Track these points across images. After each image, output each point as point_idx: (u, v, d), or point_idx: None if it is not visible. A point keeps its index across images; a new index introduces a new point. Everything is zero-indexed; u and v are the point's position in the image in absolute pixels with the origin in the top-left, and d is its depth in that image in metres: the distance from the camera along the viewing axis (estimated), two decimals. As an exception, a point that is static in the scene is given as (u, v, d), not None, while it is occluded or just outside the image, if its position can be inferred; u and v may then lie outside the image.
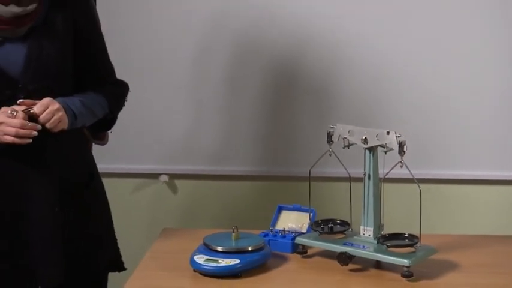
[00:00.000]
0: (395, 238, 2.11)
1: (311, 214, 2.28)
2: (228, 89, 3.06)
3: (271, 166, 3.09)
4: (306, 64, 3.01)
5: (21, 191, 2.12)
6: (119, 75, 2.35)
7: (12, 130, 2.01)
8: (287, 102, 3.05)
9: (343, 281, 2.05)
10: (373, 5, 2.95)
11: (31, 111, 2.03)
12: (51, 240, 2.15)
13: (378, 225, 2.14)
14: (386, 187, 2.14)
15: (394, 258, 2.04)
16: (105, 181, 2.38)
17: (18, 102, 2.04)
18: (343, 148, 2.16)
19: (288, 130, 3.06)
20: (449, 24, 2.95)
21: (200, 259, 2.08)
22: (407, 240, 2.10)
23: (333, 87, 3.01)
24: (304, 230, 2.27)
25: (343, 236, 2.19)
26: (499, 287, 2.02)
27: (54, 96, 2.09)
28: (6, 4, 2.04)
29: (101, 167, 2.39)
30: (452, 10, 2.95)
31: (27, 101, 2.04)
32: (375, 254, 2.08)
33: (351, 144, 2.15)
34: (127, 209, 3.13)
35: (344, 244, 2.13)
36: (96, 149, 2.42)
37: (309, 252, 2.22)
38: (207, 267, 2.05)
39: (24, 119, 2.01)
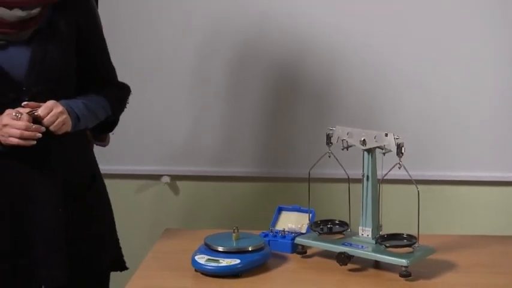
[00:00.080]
0: (393, 238, 2.11)
1: (310, 215, 2.28)
2: (229, 91, 3.06)
3: (271, 167, 3.09)
4: (306, 67, 3.02)
5: (25, 192, 2.13)
6: (121, 77, 2.36)
7: (17, 132, 2.01)
8: (287, 105, 3.05)
9: (342, 280, 2.05)
10: (372, 5, 2.95)
11: (35, 113, 2.04)
12: (54, 241, 2.16)
13: (377, 226, 2.14)
14: (385, 188, 2.15)
15: (392, 258, 2.04)
16: (108, 182, 2.39)
17: (22, 104, 2.04)
18: (342, 150, 2.16)
19: (288, 132, 3.06)
20: (449, 24, 2.94)
21: (201, 259, 2.08)
22: (405, 240, 2.10)
23: (332, 90, 3.02)
24: (303, 231, 2.27)
25: (342, 236, 2.20)
26: (496, 287, 2.02)
27: (57, 99, 2.10)
28: (10, 8, 2.05)
29: (104, 168, 2.39)
30: (452, 10, 2.94)
31: (32, 103, 2.05)
32: (373, 254, 2.09)
33: (350, 146, 2.16)
34: (129, 210, 3.13)
35: (343, 244, 2.13)
36: (98, 151, 2.42)
37: (309, 252, 2.22)
38: (208, 267, 2.06)
39: (28, 121, 2.02)
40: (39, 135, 2.03)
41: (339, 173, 2.22)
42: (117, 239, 2.40)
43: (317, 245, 2.19)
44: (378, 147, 2.10)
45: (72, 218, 2.19)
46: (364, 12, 2.96)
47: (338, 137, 2.17)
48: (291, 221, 2.31)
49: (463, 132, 3.00)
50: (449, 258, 2.18)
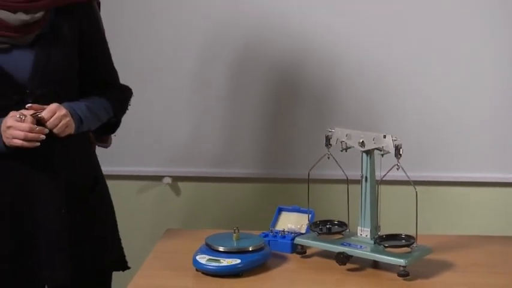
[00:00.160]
0: (392, 239, 2.11)
1: (310, 215, 2.28)
2: (230, 94, 3.07)
3: (271, 169, 3.09)
4: (306, 71, 3.02)
5: (28, 194, 2.13)
6: (123, 79, 2.36)
7: (21, 134, 2.01)
8: (287, 108, 3.05)
9: (341, 280, 2.06)
10: (370, 7, 2.94)
11: (39, 115, 2.04)
12: (57, 242, 2.16)
13: (375, 226, 2.14)
14: (383, 189, 2.15)
15: (391, 258, 2.05)
16: (110, 183, 2.39)
17: (26, 106, 2.05)
18: (341, 151, 2.16)
19: (288, 134, 3.06)
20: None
21: (202, 259, 2.08)
22: (403, 240, 2.11)
23: (331, 93, 3.01)
24: (303, 231, 2.27)
25: (341, 236, 2.20)
26: (494, 287, 2.02)
27: (60, 101, 2.11)
28: (14, 12, 2.05)
29: (106, 169, 2.40)
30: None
31: (35, 105, 2.05)
32: (372, 254, 2.09)
33: (349, 148, 2.16)
34: (131, 211, 3.14)
35: (342, 244, 2.13)
36: (101, 152, 2.42)
37: (308, 252, 2.22)
38: (209, 267, 2.06)
39: (32, 123, 2.02)
40: (43, 137, 2.04)
41: (338, 174, 2.22)
42: (119, 239, 2.40)
43: (316, 245, 2.19)
44: (377, 148, 2.10)
45: (75, 219, 2.19)
46: (363, 14, 2.95)
47: (337, 139, 2.17)
48: (291, 222, 2.31)
49: (460, 133, 2.99)
50: (447, 258, 2.18)
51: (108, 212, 2.36)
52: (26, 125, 2.02)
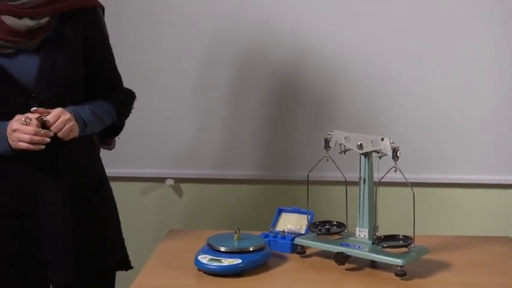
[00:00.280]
0: (389, 239, 2.11)
1: (309, 216, 2.28)
2: (232, 98, 3.07)
3: (271, 171, 3.09)
4: (306, 75, 3.02)
5: (34, 196, 2.13)
6: (126, 82, 2.37)
7: (27, 137, 2.02)
8: (287, 111, 3.05)
9: (340, 279, 2.06)
10: (369, 9, 2.94)
11: (44, 119, 2.04)
12: (62, 243, 2.16)
13: (373, 227, 2.14)
14: (381, 190, 2.15)
15: (388, 258, 2.05)
16: (114, 185, 2.39)
17: (31, 110, 2.05)
18: (340, 153, 2.16)
19: (288, 136, 3.06)
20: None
21: (204, 259, 2.08)
22: (401, 241, 2.11)
23: (330, 97, 3.01)
24: (302, 231, 2.27)
25: (339, 237, 2.20)
26: (490, 286, 2.02)
27: (65, 104, 2.11)
28: (20, 17, 2.06)
29: (110, 171, 2.40)
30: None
31: (40, 109, 2.06)
32: (370, 254, 2.09)
33: (347, 150, 2.16)
34: (134, 212, 3.14)
35: (340, 245, 2.13)
36: (105, 154, 2.43)
37: (308, 252, 2.22)
38: (211, 267, 2.06)
39: (37, 126, 2.03)
40: (48, 140, 2.04)
41: (337, 175, 2.22)
42: (123, 240, 2.40)
43: (315, 245, 2.19)
44: (374, 151, 2.10)
45: (79, 220, 2.19)
46: (362, 19, 2.95)
47: (336, 141, 2.17)
48: (291, 222, 2.31)
49: (457, 136, 2.99)
50: (444, 258, 2.18)
51: (111, 213, 2.36)
52: (31, 128, 2.02)
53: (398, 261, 2.03)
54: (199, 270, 2.09)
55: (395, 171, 2.04)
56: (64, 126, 2.06)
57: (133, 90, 2.37)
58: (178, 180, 3.18)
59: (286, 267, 2.15)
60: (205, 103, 3.08)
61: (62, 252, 2.16)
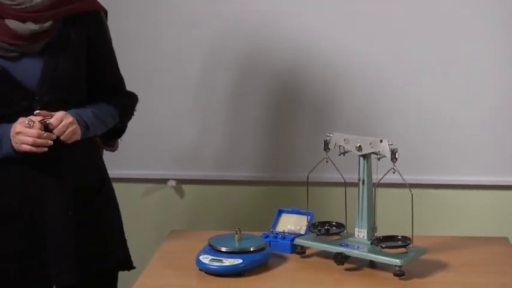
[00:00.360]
0: (388, 240, 2.11)
1: (309, 217, 2.28)
2: (233, 101, 3.07)
3: (272, 172, 3.09)
4: (305, 79, 3.01)
5: (37, 197, 2.13)
6: (129, 85, 2.37)
7: (30, 139, 2.02)
8: (287, 113, 3.05)
9: (339, 279, 2.06)
10: (368, 11, 2.93)
11: (47, 122, 2.04)
12: (65, 244, 2.16)
13: (372, 228, 2.14)
14: (380, 192, 2.15)
15: (387, 258, 2.05)
16: (116, 186, 2.39)
17: (34, 113, 2.05)
18: (339, 155, 2.16)
19: (288, 138, 3.06)
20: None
21: (205, 259, 2.08)
22: (399, 241, 2.10)
23: (330, 100, 3.01)
24: (302, 232, 2.27)
25: (339, 237, 2.20)
26: (487, 285, 2.02)
27: (68, 107, 2.11)
28: (23, 21, 2.06)
29: (112, 172, 2.40)
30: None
31: (44, 112, 2.06)
32: (368, 254, 2.09)
33: (347, 152, 2.16)
34: (137, 212, 3.13)
35: (340, 245, 2.13)
36: (107, 156, 2.43)
37: (307, 252, 2.22)
38: (212, 267, 2.06)
39: (40, 129, 2.03)
40: (51, 142, 2.04)
41: (336, 177, 2.22)
42: (125, 240, 2.40)
43: (315, 245, 2.19)
44: (373, 152, 2.10)
45: (82, 221, 2.19)
46: (362, 22, 2.95)
47: (335, 143, 2.17)
48: (291, 223, 2.31)
49: (454, 138, 2.98)
50: (442, 258, 2.18)
51: (114, 214, 2.36)
52: (34, 131, 2.02)
53: (397, 262, 2.03)
54: (200, 270, 2.09)
55: (393, 172, 2.04)
56: (67, 129, 2.06)
57: (136, 93, 2.38)
58: (180, 182, 3.18)
59: (286, 267, 2.15)
60: (206, 105, 3.08)
61: (64, 252, 2.15)
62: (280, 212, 2.36)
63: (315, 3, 2.95)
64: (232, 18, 3.00)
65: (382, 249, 2.08)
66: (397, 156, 2.05)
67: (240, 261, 2.06)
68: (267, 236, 2.26)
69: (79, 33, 2.16)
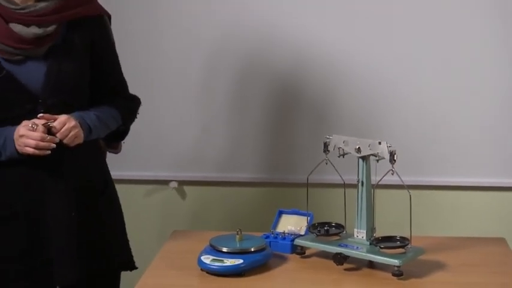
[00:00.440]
0: (387, 240, 2.11)
1: (309, 218, 2.28)
2: (234, 103, 3.07)
3: (272, 173, 3.09)
4: (306, 82, 3.02)
5: (40, 199, 2.13)
6: (132, 87, 2.37)
7: (33, 142, 2.02)
8: (287, 116, 3.05)
9: (339, 279, 2.06)
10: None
11: (50, 125, 2.05)
12: (68, 245, 2.15)
13: (371, 228, 2.14)
14: (379, 193, 2.15)
15: (386, 259, 2.05)
16: (119, 187, 2.39)
17: (38, 116, 2.05)
18: (339, 157, 2.16)
19: (288, 140, 3.06)
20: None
21: (207, 259, 2.08)
22: (398, 242, 2.10)
23: (329, 103, 3.01)
24: (302, 232, 2.27)
25: (338, 238, 2.20)
26: (484, 285, 2.02)
27: (71, 110, 2.12)
28: (28, 25, 2.06)
29: (115, 174, 2.40)
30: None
31: (47, 115, 2.06)
32: (367, 254, 2.09)
33: (346, 154, 2.16)
34: (139, 213, 3.13)
35: (339, 245, 2.14)
36: (110, 157, 2.43)
37: (307, 252, 2.22)
38: (213, 267, 2.06)
39: (43, 132, 2.03)
40: (54, 145, 2.04)
41: (336, 178, 2.22)
42: (127, 241, 2.40)
43: (315, 246, 2.19)
44: (372, 154, 2.10)
45: (85, 222, 2.19)
46: (361, 26, 2.95)
47: (335, 145, 2.17)
48: (291, 224, 2.31)
49: (452, 139, 2.98)
50: (439, 258, 2.18)
51: (117, 215, 2.36)
52: (38, 134, 2.02)
53: (395, 262, 2.03)
54: (202, 270, 2.09)
55: (392, 174, 2.05)
56: (69, 133, 2.07)
57: (139, 95, 2.38)
58: (182, 183, 3.18)
59: (286, 267, 2.15)
60: (208, 108, 3.09)
61: (67, 252, 2.15)
62: (280, 213, 2.36)
63: (315, 6, 2.96)
64: (233, 21, 3.00)
65: (381, 250, 2.08)
66: (395, 158, 2.05)
67: (241, 261, 2.07)
68: (267, 237, 2.26)
69: (83, 37, 2.17)
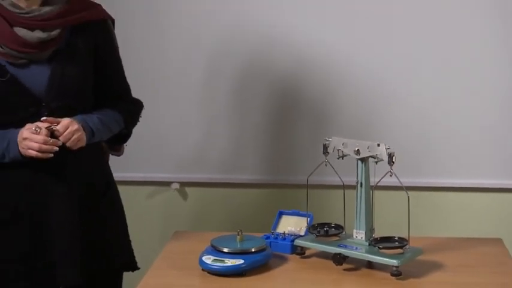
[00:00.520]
0: (385, 241, 2.12)
1: (308, 218, 2.28)
2: (235, 106, 3.07)
3: (273, 175, 3.09)
4: (305, 85, 3.02)
5: (42, 201, 2.13)
6: (134, 90, 2.37)
7: (36, 145, 2.02)
8: (287, 118, 3.05)
9: (338, 279, 2.06)
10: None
11: (53, 128, 2.05)
12: (70, 246, 2.16)
13: (370, 229, 2.15)
14: (377, 194, 2.15)
15: (384, 259, 2.05)
16: (121, 188, 2.40)
17: (41, 119, 2.06)
18: (338, 159, 2.17)
19: (288, 142, 3.06)
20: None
21: (208, 259, 2.09)
22: (396, 242, 2.11)
23: (329, 105, 3.01)
24: (302, 233, 2.27)
25: (337, 238, 2.20)
26: (481, 285, 2.02)
27: (74, 113, 2.12)
28: (32, 30, 2.07)
29: (117, 175, 2.40)
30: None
31: (50, 118, 2.06)
32: (366, 254, 2.09)
33: (345, 155, 2.16)
34: (141, 214, 3.13)
35: (338, 246, 2.14)
36: (113, 159, 2.43)
37: (307, 253, 2.23)
38: (214, 267, 2.07)
39: (47, 135, 2.03)
40: (56, 149, 2.05)
41: (335, 180, 2.22)
42: (129, 242, 2.40)
43: (315, 246, 2.19)
44: (371, 156, 2.11)
45: (87, 224, 2.19)
46: (360, 30, 2.95)
47: (334, 147, 2.18)
48: (291, 224, 2.31)
49: (450, 141, 2.98)
50: (437, 258, 2.18)
51: (119, 216, 2.36)
52: (41, 137, 2.03)
53: (394, 262, 2.03)
54: (203, 270, 2.10)
55: (390, 175, 2.05)
56: (72, 136, 2.07)
57: (141, 97, 2.38)
58: (184, 184, 3.18)
59: (286, 268, 2.15)
60: (209, 111, 3.09)
61: (70, 256, 2.15)
62: (280, 214, 2.36)
63: (315, 11, 2.96)
64: (233, 23, 3.00)
65: (380, 250, 2.08)
66: (394, 160, 2.06)
67: (242, 261, 2.07)
68: (267, 237, 2.26)
69: (86, 41, 2.17)
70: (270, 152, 3.09)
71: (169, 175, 3.16)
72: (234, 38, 3.02)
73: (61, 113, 2.09)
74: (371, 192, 2.14)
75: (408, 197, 2.04)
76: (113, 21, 2.29)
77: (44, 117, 2.06)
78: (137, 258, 2.40)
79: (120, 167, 2.50)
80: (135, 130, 2.37)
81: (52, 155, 2.05)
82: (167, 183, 3.18)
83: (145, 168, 3.14)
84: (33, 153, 2.03)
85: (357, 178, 2.14)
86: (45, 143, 2.03)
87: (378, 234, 2.16)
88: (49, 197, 2.13)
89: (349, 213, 2.20)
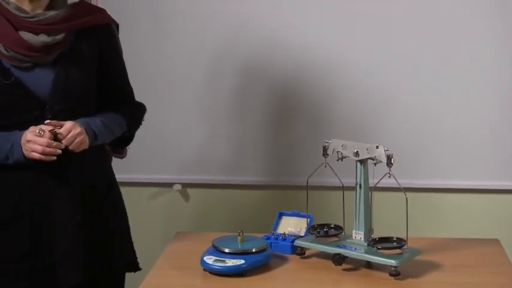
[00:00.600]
0: (384, 241, 2.12)
1: (308, 219, 2.28)
2: (236, 108, 3.08)
3: (273, 176, 3.10)
4: (305, 88, 3.02)
5: (44, 203, 2.13)
6: (138, 93, 2.37)
7: (39, 148, 2.03)
8: (288, 121, 3.06)
9: (337, 279, 2.07)
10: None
11: (57, 131, 2.05)
12: (72, 246, 2.16)
13: (368, 229, 2.15)
14: (376, 195, 2.16)
15: (383, 259, 2.06)
16: (124, 190, 2.40)
17: (45, 122, 2.06)
18: (337, 160, 2.17)
19: (289, 144, 3.07)
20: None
21: (209, 259, 2.09)
22: (395, 243, 2.11)
23: (329, 108, 3.02)
24: (302, 234, 2.28)
25: (337, 239, 2.21)
26: (478, 285, 2.03)
27: (78, 116, 2.12)
28: (37, 34, 2.07)
29: (120, 177, 2.40)
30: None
31: (54, 122, 2.07)
32: (365, 255, 2.10)
33: (344, 157, 2.17)
34: (143, 215, 3.14)
35: (338, 246, 2.14)
36: (116, 161, 2.44)
37: (307, 253, 2.23)
38: (216, 267, 2.07)
39: (50, 138, 2.04)
40: (59, 151, 2.05)
41: (334, 181, 2.23)
42: (132, 243, 2.40)
43: (314, 246, 2.20)
44: (370, 158, 2.11)
45: (89, 225, 2.20)
46: (359, 32, 2.96)
47: (333, 149, 2.18)
48: (291, 225, 2.32)
49: (449, 143, 2.98)
50: (435, 259, 2.18)
51: (121, 218, 2.36)
52: (44, 140, 2.03)
53: (392, 262, 2.04)
54: (204, 270, 2.10)
55: (389, 177, 2.05)
56: (75, 139, 2.07)
57: (143, 100, 2.38)
58: (185, 186, 3.19)
59: (286, 268, 2.16)
60: (211, 113, 3.09)
61: (72, 258, 2.15)
62: (280, 215, 2.36)
63: (315, 13, 2.97)
64: (236, 27, 3.01)
65: (378, 251, 2.09)
66: (392, 162, 2.06)
67: (243, 261, 2.07)
68: (268, 238, 2.27)
69: (91, 46, 2.18)
70: (271, 154, 3.09)
71: (171, 176, 3.16)
72: (237, 41, 3.02)
73: (65, 116, 2.10)
74: (370, 193, 2.14)
75: (406, 198, 2.04)
76: (117, 25, 2.29)
77: (48, 120, 2.06)
78: (139, 259, 2.41)
79: (122, 168, 2.50)
80: (138, 131, 2.37)
81: (55, 157, 2.05)
82: (169, 185, 3.18)
83: (148, 170, 3.15)
84: (36, 155, 2.04)
85: (356, 180, 2.15)
86: (48, 145, 2.03)
87: (376, 234, 2.16)
88: (52, 199, 2.13)
89: (349, 214, 2.20)
